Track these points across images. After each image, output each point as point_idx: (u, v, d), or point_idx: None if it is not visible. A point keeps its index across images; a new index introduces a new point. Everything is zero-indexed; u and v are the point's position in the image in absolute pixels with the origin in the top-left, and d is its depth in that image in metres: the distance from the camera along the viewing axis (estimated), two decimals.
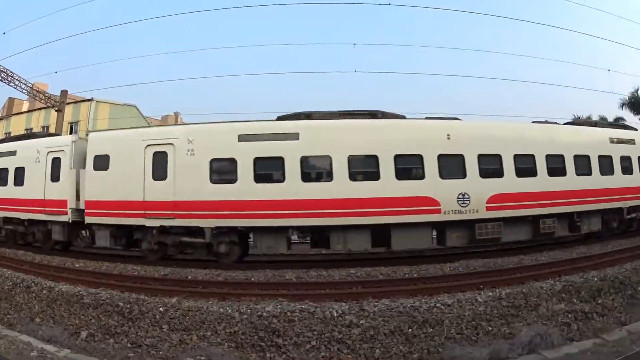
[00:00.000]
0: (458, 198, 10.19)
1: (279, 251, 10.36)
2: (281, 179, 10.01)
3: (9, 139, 16.44)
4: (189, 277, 9.02)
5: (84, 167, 11.13)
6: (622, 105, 35.25)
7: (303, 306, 6.40)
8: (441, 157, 10.24)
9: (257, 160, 9.98)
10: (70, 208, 11.12)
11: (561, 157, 11.17)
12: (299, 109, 11.06)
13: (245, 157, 9.97)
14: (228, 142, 10.14)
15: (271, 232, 10.03)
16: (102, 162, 10.82)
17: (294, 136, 10.09)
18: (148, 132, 11.79)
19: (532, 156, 10.71)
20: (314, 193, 9.83)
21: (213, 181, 10.11)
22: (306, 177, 9.97)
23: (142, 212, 10.29)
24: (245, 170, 9.93)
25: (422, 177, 10.19)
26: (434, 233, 10.69)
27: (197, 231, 10.05)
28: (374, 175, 9.99)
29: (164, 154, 10.35)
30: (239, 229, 10.19)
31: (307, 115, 10.77)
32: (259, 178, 9.97)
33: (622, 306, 6.75)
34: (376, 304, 6.59)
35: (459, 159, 10.30)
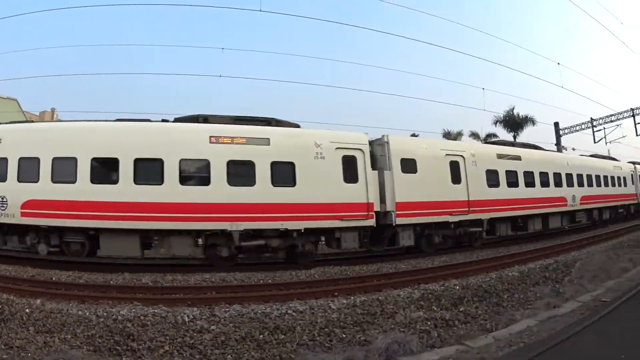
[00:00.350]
0: None
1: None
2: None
3: None
4: (54, 279, 10.12)
5: None
6: (496, 122, 43.98)
7: (156, 310, 7.21)
8: None
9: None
10: None
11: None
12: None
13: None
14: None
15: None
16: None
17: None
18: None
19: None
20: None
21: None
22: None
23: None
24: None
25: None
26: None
27: None
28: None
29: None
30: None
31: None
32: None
33: (486, 314, 7.80)
34: (227, 309, 7.48)
35: None
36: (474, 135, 44.63)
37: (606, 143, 38.54)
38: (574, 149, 37.82)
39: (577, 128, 39.47)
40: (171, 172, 11.89)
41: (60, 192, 11.28)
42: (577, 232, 21.74)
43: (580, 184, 21.94)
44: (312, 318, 6.92)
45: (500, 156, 17.95)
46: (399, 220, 13.93)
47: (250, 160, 12.66)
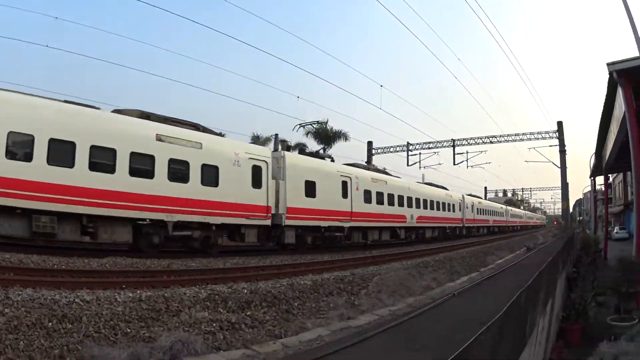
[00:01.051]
0: None
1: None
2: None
3: None
4: None
5: None
6: (308, 133, 50.90)
7: None
8: None
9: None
10: None
11: None
12: None
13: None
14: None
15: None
16: None
17: None
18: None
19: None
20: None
21: None
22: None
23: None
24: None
25: None
26: None
27: None
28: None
29: None
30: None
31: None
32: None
33: (275, 320, 9.62)
34: (20, 293, 8.56)
35: None
36: (283, 142, 51.12)
37: (420, 167, 49.17)
38: (384, 169, 47.95)
39: (392, 150, 49.60)
40: (122, 163, 15.95)
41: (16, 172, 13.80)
42: (377, 247, 27.50)
43: (417, 207, 33.81)
44: (98, 309, 7.97)
45: (374, 180, 29.43)
46: (288, 222, 22.00)
47: (186, 161, 17.95)
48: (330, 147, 51.15)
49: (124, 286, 10.13)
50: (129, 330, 7.64)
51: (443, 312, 4.33)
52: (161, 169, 16.98)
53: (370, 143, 51.75)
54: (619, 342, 6.73)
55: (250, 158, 20.73)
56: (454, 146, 48.73)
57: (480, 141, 48.39)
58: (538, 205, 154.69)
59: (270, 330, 8.85)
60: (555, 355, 9.33)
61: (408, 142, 49.98)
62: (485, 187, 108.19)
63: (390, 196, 30.78)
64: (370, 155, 51.24)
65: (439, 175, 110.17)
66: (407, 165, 50.09)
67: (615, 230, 55.67)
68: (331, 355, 4.92)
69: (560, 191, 49.11)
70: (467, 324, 3.50)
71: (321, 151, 47.15)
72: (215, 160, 19.08)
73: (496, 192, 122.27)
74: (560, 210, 52.93)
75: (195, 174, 18.16)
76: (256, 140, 47.76)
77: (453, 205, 43.61)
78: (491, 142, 48.17)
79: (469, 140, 48.83)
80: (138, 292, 9.70)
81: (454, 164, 49.73)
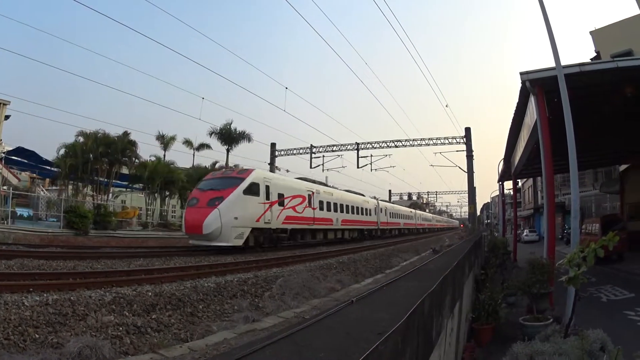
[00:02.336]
0: None
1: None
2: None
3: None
4: None
5: None
6: (212, 133, 55.85)
7: None
8: None
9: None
10: None
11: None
12: None
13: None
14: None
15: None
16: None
17: None
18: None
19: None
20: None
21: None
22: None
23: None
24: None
25: None
26: None
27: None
28: None
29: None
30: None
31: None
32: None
33: (181, 323, 10.14)
34: None
35: None
36: (188, 143, 55.51)
37: (323, 170, 51.92)
38: (287, 171, 53.15)
39: (295, 152, 51.80)
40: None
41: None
42: (282, 250, 28.35)
43: (341, 211, 41.12)
44: (7, 314, 8.12)
45: (326, 192, 39.07)
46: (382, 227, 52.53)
47: (333, 201, 38.90)
48: (233, 148, 54.44)
49: (31, 289, 10.30)
50: (37, 336, 7.88)
51: (338, 321, 4.21)
52: (317, 204, 35.38)
53: (273, 145, 53.03)
54: (533, 342, 7.21)
55: (372, 200, 51.27)
56: (357, 149, 50.74)
57: (385, 145, 50.29)
58: (444, 208, 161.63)
59: (177, 333, 9.39)
60: (467, 355, 10.22)
61: (312, 145, 51.82)
62: (390, 190, 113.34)
63: (327, 203, 38.23)
64: (273, 157, 52.45)
65: (342, 178, 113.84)
66: (310, 167, 52.05)
67: (525, 233, 60.06)
68: None
69: (467, 195, 51.71)
70: (365, 334, 3.52)
71: (224, 151, 54.32)
72: (335, 199, 39.98)
73: (401, 195, 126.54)
74: (467, 213, 55.80)
75: (335, 206, 39.54)
76: (161, 139, 51.60)
77: (370, 209, 50.06)
78: (396, 146, 50.18)
79: (373, 144, 50.69)
80: (45, 295, 9.89)
81: (358, 167, 52.05)
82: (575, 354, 6.00)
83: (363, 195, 51.36)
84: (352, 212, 44.17)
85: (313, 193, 35.31)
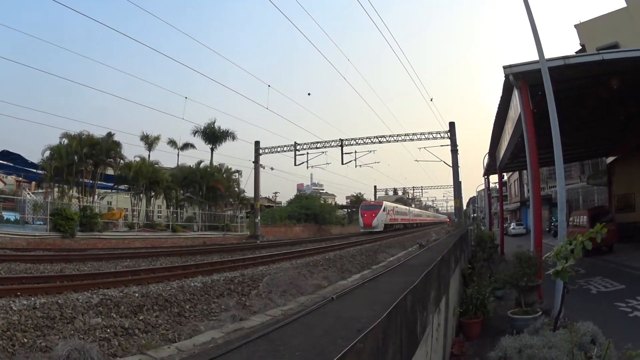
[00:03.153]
0: None
1: None
2: None
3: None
4: None
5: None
6: (196, 132, 56.99)
7: None
8: None
9: None
10: None
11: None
12: None
13: None
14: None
15: None
16: None
17: None
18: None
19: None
20: None
21: None
22: None
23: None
24: None
25: None
26: None
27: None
28: None
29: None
30: None
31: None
32: None
33: (168, 323, 10.19)
34: None
35: None
36: (172, 143, 55.97)
37: (307, 167, 52.49)
38: (272, 169, 56.56)
39: (279, 149, 52.04)
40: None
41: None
42: (268, 247, 28.59)
43: (404, 214, 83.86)
44: None
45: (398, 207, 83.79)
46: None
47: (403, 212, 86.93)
48: (217, 147, 54.71)
49: (18, 293, 10.42)
50: (25, 340, 7.92)
51: (317, 319, 4.17)
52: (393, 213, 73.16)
53: (257, 143, 53.17)
54: (522, 336, 7.21)
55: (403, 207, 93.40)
56: (342, 146, 50.75)
57: (369, 141, 50.26)
58: (430, 203, 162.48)
59: (164, 334, 9.39)
60: (456, 349, 10.32)
61: (295, 142, 51.82)
62: (375, 186, 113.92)
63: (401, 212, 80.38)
64: (257, 155, 52.62)
65: (326, 175, 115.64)
66: (295, 165, 52.19)
67: (512, 227, 60.83)
68: None
69: (452, 189, 52.07)
70: (345, 332, 3.48)
71: (209, 150, 56.26)
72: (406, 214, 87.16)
73: (386, 190, 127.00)
74: (453, 207, 56.23)
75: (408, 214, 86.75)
76: (146, 139, 51.81)
77: (405, 211, 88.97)
78: (380, 142, 50.13)
79: (357, 140, 50.74)
80: (32, 299, 9.98)
81: (342, 164, 51.90)
82: (565, 347, 6.07)
83: (404, 205, 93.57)
84: (405, 214, 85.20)
85: (393, 209, 74.20)
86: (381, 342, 3.81)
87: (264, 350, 3.10)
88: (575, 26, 40.00)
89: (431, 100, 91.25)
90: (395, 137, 49.31)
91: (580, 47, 38.80)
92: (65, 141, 39.60)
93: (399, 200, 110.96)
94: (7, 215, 33.01)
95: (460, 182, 49.74)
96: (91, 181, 41.91)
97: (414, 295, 5.60)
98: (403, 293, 5.02)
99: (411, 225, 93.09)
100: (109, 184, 48.28)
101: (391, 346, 4.15)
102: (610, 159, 37.06)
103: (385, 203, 71.93)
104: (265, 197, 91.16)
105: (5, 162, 41.85)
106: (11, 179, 47.14)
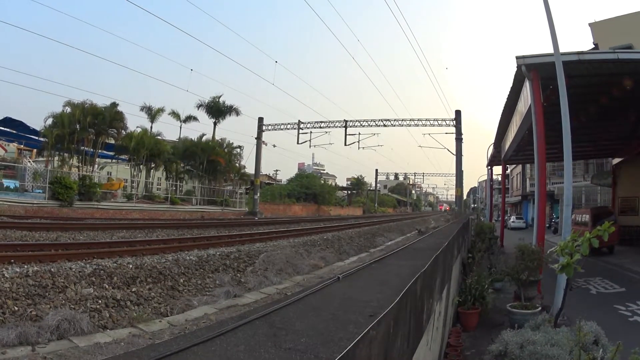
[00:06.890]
0: None
1: None
2: None
3: None
4: None
5: None
6: (200, 106, 56.49)
7: None
8: None
9: None
10: None
11: None
12: None
13: None
14: None
15: None
16: None
17: None
18: None
19: None
20: None
21: None
22: None
23: None
24: None
25: None
26: None
27: None
28: None
29: None
30: None
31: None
32: None
33: (161, 297, 10.06)
34: None
35: None
36: (175, 115, 55.23)
37: (310, 146, 52.76)
38: (274, 146, 55.62)
39: (283, 127, 52.38)
40: None
41: None
42: (266, 224, 28.85)
43: None
44: None
45: None
46: None
47: None
48: (221, 121, 55.34)
49: (12, 260, 10.32)
50: (16, 309, 7.78)
51: (322, 300, 3.77)
52: None
53: (261, 119, 53.36)
54: (524, 330, 7.09)
55: None
56: (345, 127, 50.88)
57: (374, 124, 50.41)
58: (430, 190, 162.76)
59: (156, 307, 9.28)
60: (453, 339, 10.20)
61: (299, 121, 52.00)
62: (377, 170, 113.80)
63: None
64: (260, 131, 52.93)
65: (328, 155, 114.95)
66: (297, 143, 52.58)
67: (511, 219, 60.62)
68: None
69: (454, 178, 51.87)
70: (354, 316, 3.17)
71: (212, 124, 55.11)
72: None
73: (387, 174, 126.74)
74: (454, 196, 56.18)
75: None
76: (148, 111, 51.39)
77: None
78: (385, 125, 50.32)
79: (361, 122, 50.79)
80: (26, 266, 9.81)
81: (345, 145, 52.33)
82: (568, 345, 5.92)
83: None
84: None
85: None
86: (392, 329, 3.50)
87: (263, 334, 2.71)
88: (590, 24, 39.64)
89: (446, 69, 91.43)
90: (400, 122, 49.53)
91: (593, 46, 38.42)
92: (69, 109, 39.28)
93: (400, 186, 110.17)
94: (7, 182, 33.04)
95: (462, 171, 49.61)
96: (92, 150, 41.64)
97: (424, 281, 5.34)
98: (412, 277, 4.74)
99: None
100: (110, 154, 48.15)
101: (400, 334, 3.87)
102: (616, 161, 36.80)
103: None
104: (266, 174, 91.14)
105: (7, 129, 41.61)
106: (13, 146, 46.91)
